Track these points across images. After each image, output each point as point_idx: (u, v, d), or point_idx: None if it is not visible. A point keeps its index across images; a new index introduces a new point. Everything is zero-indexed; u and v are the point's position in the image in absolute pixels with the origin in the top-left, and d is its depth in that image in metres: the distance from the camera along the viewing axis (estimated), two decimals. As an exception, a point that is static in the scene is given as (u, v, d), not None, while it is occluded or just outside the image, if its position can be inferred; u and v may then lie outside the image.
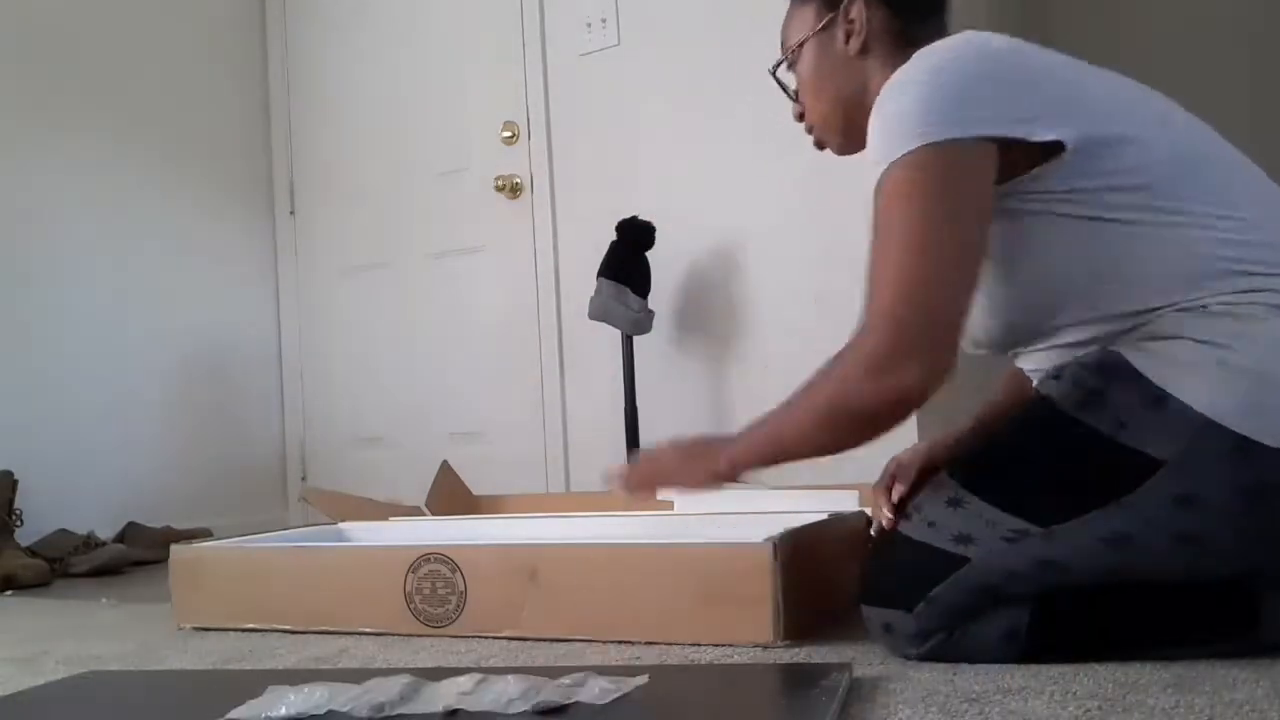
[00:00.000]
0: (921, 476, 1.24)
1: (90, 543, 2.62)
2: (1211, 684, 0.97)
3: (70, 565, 2.54)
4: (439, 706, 0.97)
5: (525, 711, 0.95)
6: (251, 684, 1.06)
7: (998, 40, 1.14)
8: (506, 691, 0.98)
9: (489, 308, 3.09)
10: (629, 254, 2.54)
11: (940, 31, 1.25)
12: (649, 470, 1.32)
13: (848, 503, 1.67)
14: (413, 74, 3.26)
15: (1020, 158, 1.07)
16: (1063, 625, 1.10)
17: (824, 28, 1.29)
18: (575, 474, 2.91)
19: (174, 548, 1.70)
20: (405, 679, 1.03)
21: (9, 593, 2.31)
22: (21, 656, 1.51)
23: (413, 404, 3.23)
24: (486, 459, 2.81)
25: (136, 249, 3.15)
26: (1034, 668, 1.07)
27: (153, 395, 3.15)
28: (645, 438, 2.55)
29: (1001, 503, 1.08)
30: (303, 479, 3.48)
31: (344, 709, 0.97)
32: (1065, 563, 1.06)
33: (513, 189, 3.02)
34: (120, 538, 2.75)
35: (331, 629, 1.51)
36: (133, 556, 2.63)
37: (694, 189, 2.66)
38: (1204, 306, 1.04)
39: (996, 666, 1.09)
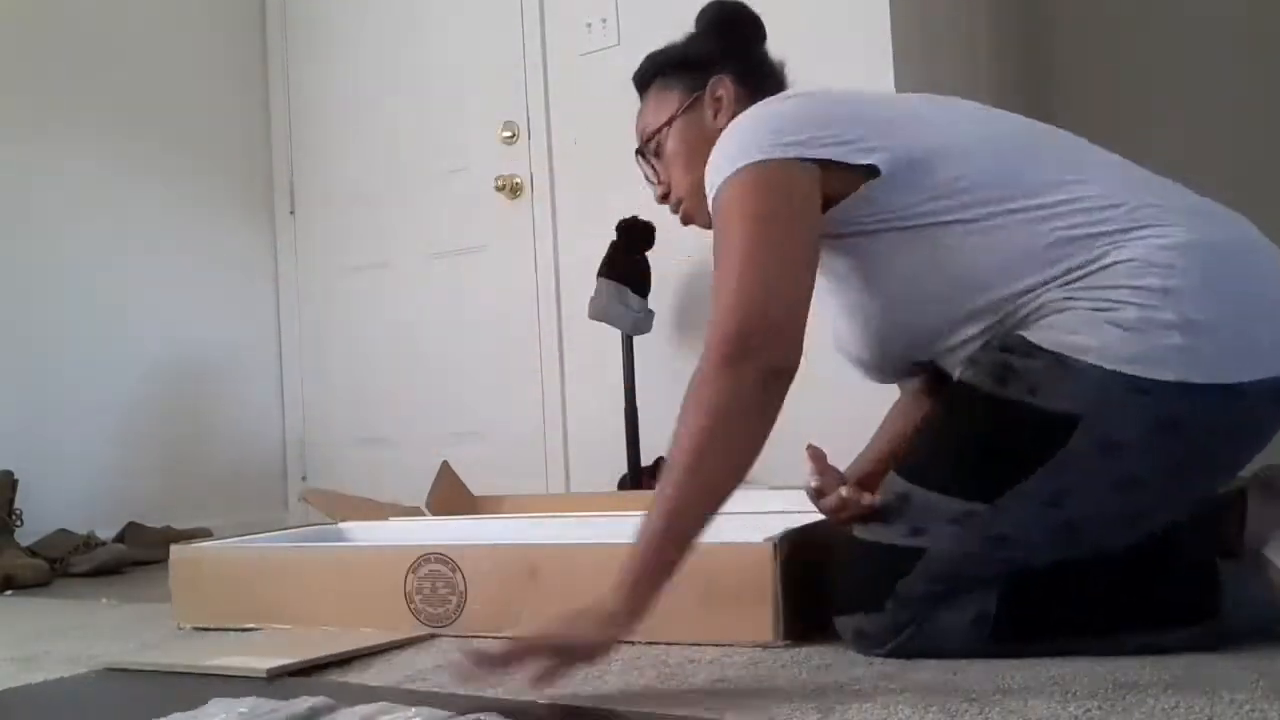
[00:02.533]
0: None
1: (90, 543, 2.61)
2: (1211, 684, 0.97)
3: (70, 565, 2.54)
4: None
5: None
6: (197, 691, 1.05)
7: (819, 90, 1.29)
8: None
9: (489, 308, 3.09)
10: (629, 254, 2.54)
11: (780, 90, 1.39)
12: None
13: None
14: (413, 74, 3.26)
15: (845, 185, 1.17)
16: (1029, 609, 1.14)
17: (690, 107, 1.39)
18: (575, 474, 2.91)
19: (174, 548, 1.70)
20: (319, 699, 1.02)
21: (9, 593, 2.31)
22: (21, 656, 1.51)
23: (413, 404, 3.23)
24: (486, 459, 2.81)
25: (136, 249, 3.15)
26: (1034, 668, 1.07)
27: (153, 395, 3.14)
28: (646, 438, 2.55)
29: (944, 488, 1.13)
30: (303, 479, 3.47)
31: None
32: (1015, 535, 1.11)
33: (513, 189, 3.02)
34: (120, 538, 2.75)
35: (331, 629, 1.51)
36: (133, 556, 2.63)
37: (694, 189, 2.66)
38: (1069, 279, 1.11)
39: (997, 666, 1.09)
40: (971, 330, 1.17)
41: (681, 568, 1.08)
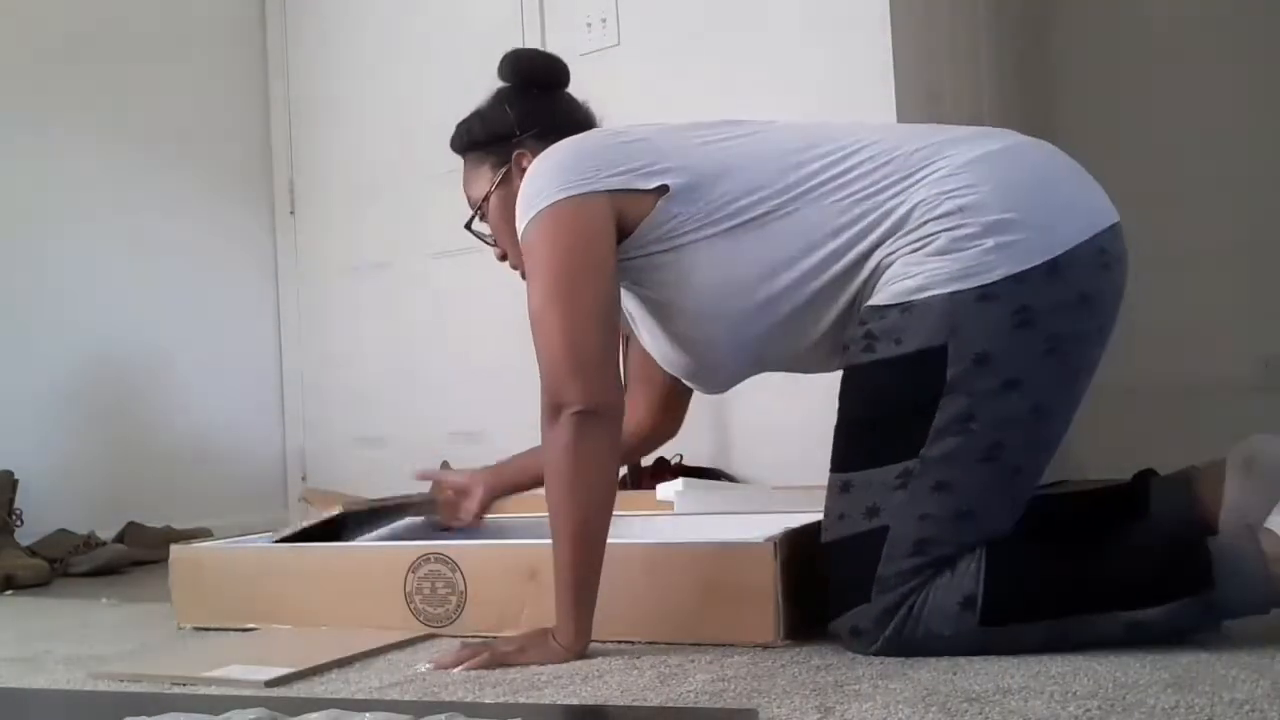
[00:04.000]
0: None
1: (90, 543, 2.61)
2: (1211, 684, 0.97)
3: (70, 565, 2.54)
4: None
5: None
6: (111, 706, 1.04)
7: (607, 129, 1.41)
8: None
9: (489, 307, 3.08)
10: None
11: (585, 129, 1.45)
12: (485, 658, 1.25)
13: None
14: (413, 74, 3.26)
15: (640, 208, 1.26)
16: (1016, 588, 1.15)
17: (502, 181, 1.45)
18: (575, 474, 2.90)
19: (174, 548, 1.70)
20: (261, 711, 1.00)
21: (9, 593, 2.31)
22: (21, 656, 1.51)
23: (413, 404, 3.23)
24: (486, 459, 2.80)
25: (136, 249, 3.15)
26: (1034, 667, 1.08)
27: (153, 394, 3.14)
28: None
29: (873, 460, 1.19)
30: (303, 479, 3.47)
31: None
32: (953, 479, 1.16)
33: (513, 189, 3.02)
34: (120, 538, 2.75)
35: (331, 629, 1.50)
36: (133, 556, 2.63)
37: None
38: (884, 238, 1.21)
39: (997, 666, 1.09)
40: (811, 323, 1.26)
41: (597, 583, 1.25)
